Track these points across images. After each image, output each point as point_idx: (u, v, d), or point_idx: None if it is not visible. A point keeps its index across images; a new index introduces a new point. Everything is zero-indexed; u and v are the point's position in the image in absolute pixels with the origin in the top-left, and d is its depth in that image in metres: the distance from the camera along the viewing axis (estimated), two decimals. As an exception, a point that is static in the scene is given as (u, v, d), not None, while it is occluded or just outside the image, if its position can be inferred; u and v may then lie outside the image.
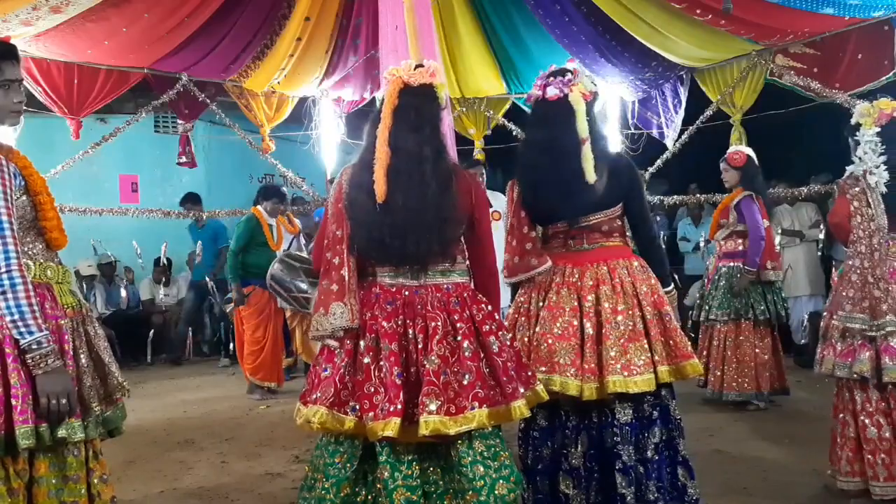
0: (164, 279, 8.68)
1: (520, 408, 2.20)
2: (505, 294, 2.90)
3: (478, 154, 8.16)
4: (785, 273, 5.99)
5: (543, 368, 2.66)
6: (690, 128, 7.22)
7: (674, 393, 2.83)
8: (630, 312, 2.71)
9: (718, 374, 5.07)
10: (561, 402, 2.73)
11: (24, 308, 1.95)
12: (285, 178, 8.40)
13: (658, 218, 8.00)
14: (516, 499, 2.22)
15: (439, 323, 2.22)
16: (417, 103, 2.28)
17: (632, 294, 2.74)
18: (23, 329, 1.95)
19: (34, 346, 1.95)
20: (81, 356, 2.12)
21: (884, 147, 3.11)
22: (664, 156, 7.43)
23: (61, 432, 1.99)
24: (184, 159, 7.63)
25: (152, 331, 8.49)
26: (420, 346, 2.21)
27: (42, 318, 1.99)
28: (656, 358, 2.67)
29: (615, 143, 7.31)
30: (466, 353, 2.19)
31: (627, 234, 2.92)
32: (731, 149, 5.48)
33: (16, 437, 1.92)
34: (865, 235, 3.07)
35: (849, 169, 3.23)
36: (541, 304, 2.80)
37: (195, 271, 8.46)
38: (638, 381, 2.62)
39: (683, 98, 7.30)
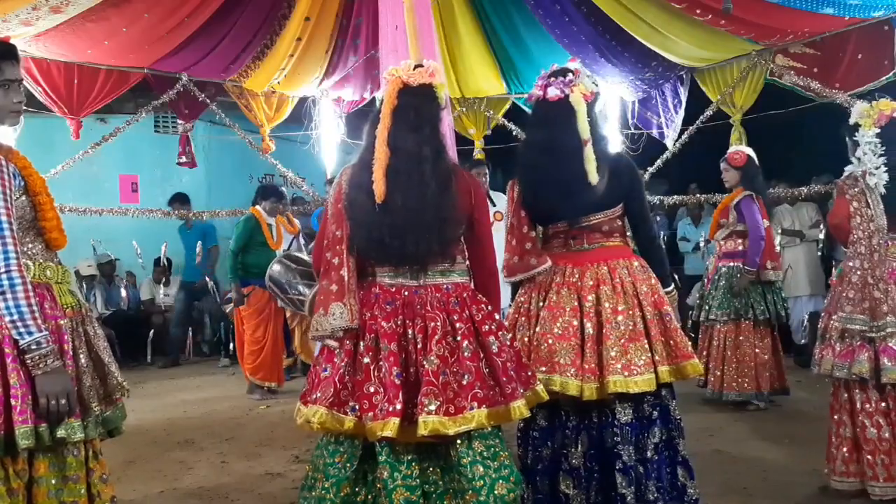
0: (164, 279, 8.68)
1: (519, 408, 2.20)
2: (505, 294, 2.91)
3: (478, 154, 8.16)
4: (785, 273, 5.99)
5: (544, 368, 2.66)
6: (690, 128, 7.23)
7: (674, 393, 2.83)
8: (630, 312, 2.71)
9: (718, 374, 5.07)
10: (561, 402, 2.73)
11: (24, 308, 1.95)
12: (285, 178, 8.40)
13: (658, 218, 8.00)
14: (516, 499, 2.22)
15: (438, 323, 2.22)
16: (417, 103, 2.28)
17: (632, 294, 2.74)
18: (22, 329, 1.94)
19: (33, 347, 1.95)
20: (81, 356, 2.11)
21: (884, 148, 3.11)
22: (664, 156, 7.44)
23: (61, 432, 1.99)
24: (184, 159, 7.63)
25: (152, 331, 8.48)
26: (419, 347, 2.21)
27: (41, 318, 1.99)
28: (657, 358, 2.67)
29: (615, 143, 7.31)
30: (466, 354, 2.19)
31: (628, 234, 2.92)
32: (732, 149, 5.48)
33: (15, 437, 1.92)
34: (865, 236, 3.07)
35: (847, 169, 3.23)
36: (541, 304, 2.80)
37: (185, 272, 8.41)
38: (638, 381, 2.62)
39: (683, 98, 7.31)
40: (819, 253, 7.08)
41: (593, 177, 2.69)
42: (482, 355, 2.23)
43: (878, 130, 3.15)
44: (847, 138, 3.31)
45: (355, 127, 7.50)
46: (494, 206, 5.44)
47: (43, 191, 2.11)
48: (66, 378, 2.00)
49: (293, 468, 4.05)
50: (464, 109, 8.19)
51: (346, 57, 7.38)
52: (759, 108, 6.77)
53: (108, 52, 6.40)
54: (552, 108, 2.77)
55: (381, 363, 2.19)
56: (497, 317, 2.35)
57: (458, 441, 2.17)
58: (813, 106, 6.38)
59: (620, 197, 2.82)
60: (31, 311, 1.96)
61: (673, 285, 2.98)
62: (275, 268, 4.29)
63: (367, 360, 2.21)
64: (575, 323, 2.71)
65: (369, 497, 2.24)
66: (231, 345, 7.73)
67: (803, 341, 6.74)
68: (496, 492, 2.15)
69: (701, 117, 7.11)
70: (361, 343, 2.24)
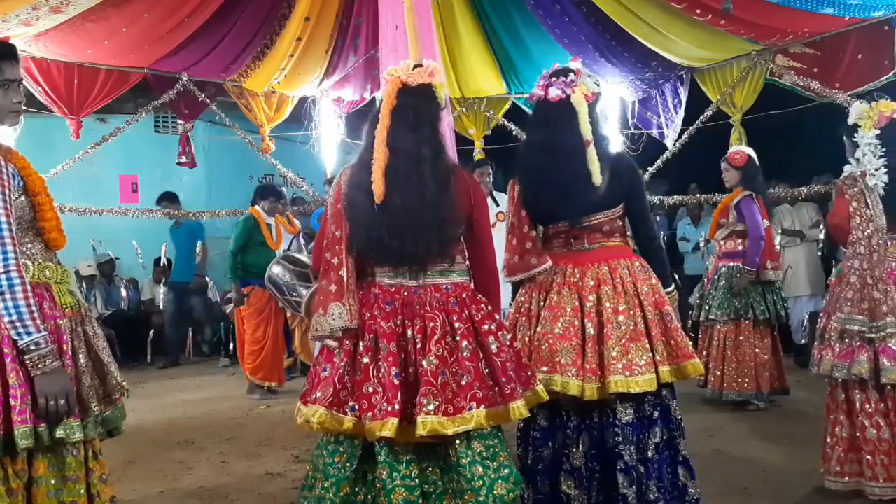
0: (164, 279, 8.68)
1: (518, 408, 2.20)
2: (506, 294, 2.90)
3: (478, 154, 8.17)
4: (785, 273, 5.99)
5: (545, 368, 2.66)
6: (690, 128, 7.23)
7: (675, 393, 2.83)
8: (631, 312, 2.71)
9: (718, 374, 5.07)
10: (562, 402, 2.73)
11: (23, 309, 1.94)
12: (285, 178, 8.40)
13: (658, 218, 8.01)
14: (515, 499, 2.22)
15: (438, 323, 2.22)
16: (416, 103, 2.28)
17: (633, 294, 2.74)
18: (21, 330, 1.94)
19: (32, 347, 1.95)
20: (80, 356, 2.11)
21: (884, 149, 3.11)
22: (664, 156, 7.44)
23: (60, 433, 1.98)
24: (184, 159, 7.64)
25: (152, 331, 8.49)
26: (418, 347, 2.21)
27: (40, 318, 1.98)
28: (657, 358, 2.67)
29: (616, 143, 7.31)
30: (465, 354, 2.19)
31: (628, 234, 2.92)
32: (732, 148, 5.49)
33: (14, 437, 1.92)
34: (864, 236, 3.07)
35: (846, 169, 3.22)
36: (542, 303, 2.79)
37: (173, 272, 8.38)
38: (639, 381, 2.62)
39: (683, 98, 7.31)
40: (819, 253, 7.08)
41: (597, 177, 2.69)
42: (481, 355, 2.23)
43: (877, 132, 3.14)
44: (845, 138, 3.31)
45: (355, 127, 7.50)
46: (498, 206, 5.44)
47: (42, 191, 2.11)
48: (65, 378, 1.99)
49: (293, 468, 4.05)
50: (464, 109, 8.19)
51: (346, 57, 7.38)
52: (759, 108, 6.78)
53: (108, 52, 6.40)
54: (553, 108, 2.77)
55: (380, 363, 2.19)
56: (497, 317, 2.34)
57: (458, 441, 2.17)
58: (813, 106, 6.39)
59: (621, 197, 2.82)
60: (30, 312, 1.95)
61: (673, 285, 2.98)
62: (274, 269, 4.28)
63: (366, 360, 2.21)
64: (576, 323, 2.71)
65: (369, 497, 2.24)
66: (231, 345, 7.74)
67: (803, 341, 6.74)
68: (495, 492, 2.14)
69: (701, 117, 7.11)
70: (361, 343, 2.24)
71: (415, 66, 2.32)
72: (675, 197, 7.82)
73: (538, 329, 2.75)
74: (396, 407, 2.11)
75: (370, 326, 2.24)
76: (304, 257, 4.56)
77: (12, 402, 1.93)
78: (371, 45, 6.76)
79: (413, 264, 2.28)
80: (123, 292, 8.70)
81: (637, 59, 6.92)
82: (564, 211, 2.81)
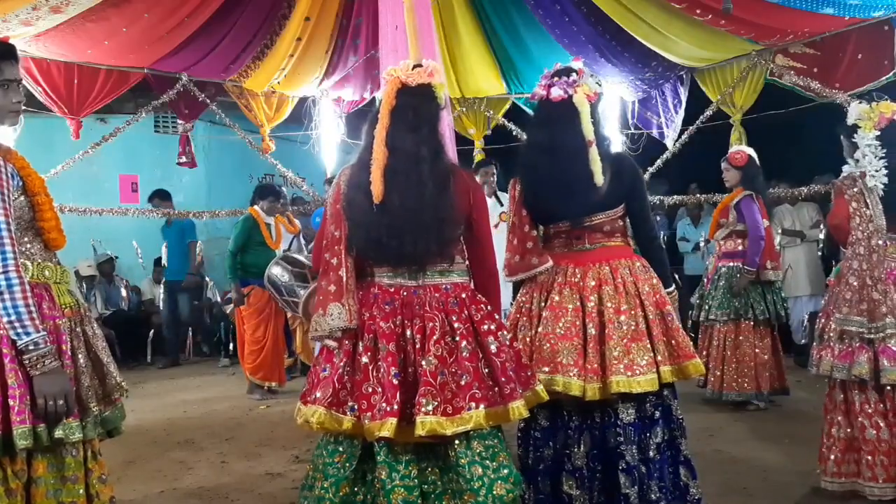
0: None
1: (518, 408, 2.20)
2: (507, 293, 2.90)
3: (478, 154, 8.16)
4: (785, 273, 5.98)
5: (546, 369, 2.66)
6: (690, 128, 7.23)
7: (676, 393, 2.83)
8: (633, 312, 2.71)
9: (718, 374, 5.07)
10: (563, 402, 2.73)
11: (21, 309, 1.94)
12: (285, 178, 8.40)
13: (658, 218, 8.00)
14: (515, 499, 2.21)
15: (437, 323, 2.22)
16: (415, 103, 2.27)
17: (634, 294, 2.74)
18: (20, 330, 1.94)
19: (31, 347, 1.95)
20: (79, 356, 2.11)
21: (884, 151, 3.10)
22: (664, 156, 7.44)
23: (59, 433, 1.98)
24: (184, 159, 7.63)
25: (152, 331, 8.49)
26: (418, 347, 2.21)
27: (39, 318, 1.98)
28: (659, 358, 2.67)
29: (616, 143, 7.31)
30: (464, 354, 2.19)
31: (629, 234, 2.92)
32: (733, 148, 5.49)
33: (13, 437, 1.91)
34: (864, 237, 3.06)
35: (845, 169, 3.22)
36: (543, 304, 2.79)
37: (166, 271, 8.36)
38: (641, 381, 2.62)
39: (683, 98, 7.31)
40: (819, 253, 7.07)
41: (599, 178, 2.69)
42: (481, 355, 2.23)
43: (877, 133, 3.14)
44: (843, 138, 3.30)
45: (355, 127, 7.48)
46: (502, 206, 5.42)
47: (41, 191, 2.11)
48: (64, 378, 1.99)
49: (293, 468, 4.05)
50: (464, 109, 8.19)
51: (346, 57, 7.38)
52: (759, 108, 6.77)
53: (108, 52, 6.40)
54: (555, 108, 2.77)
55: (379, 363, 2.19)
56: (496, 317, 2.34)
57: (457, 441, 2.17)
58: (813, 106, 6.38)
59: (622, 197, 2.82)
60: (29, 312, 1.95)
61: (673, 285, 2.98)
62: (273, 269, 4.29)
63: (365, 360, 2.21)
64: (577, 323, 2.71)
65: (368, 497, 2.24)
66: (231, 345, 7.74)
67: (803, 341, 6.73)
68: (495, 492, 2.14)
69: (701, 117, 7.11)
70: (360, 343, 2.24)
71: (414, 66, 2.31)
72: (675, 197, 7.81)
73: (539, 329, 2.75)
74: (395, 407, 2.11)
75: (369, 326, 2.24)
76: (303, 258, 4.56)
77: (11, 402, 1.93)
78: (371, 45, 6.76)
79: (412, 264, 2.28)
80: (123, 292, 8.70)
81: (637, 59, 6.91)
82: (566, 211, 2.81)
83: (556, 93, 2.76)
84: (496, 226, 5.11)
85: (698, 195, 7.67)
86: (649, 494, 2.66)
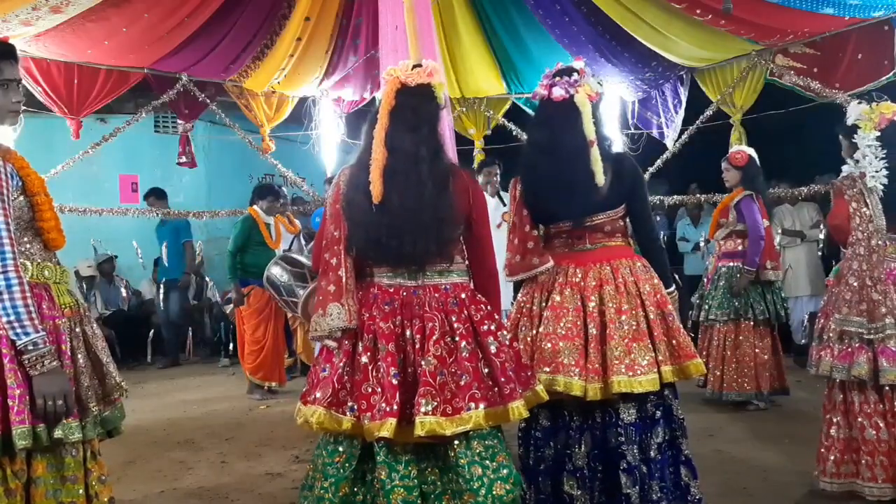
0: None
1: (518, 408, 2.19)
2: (507, 293, 2.90)
3: (478, 154, 8.16)
4: (785, 273, 5.98)
5: (547, 369, 2.66)
6: (690, 128, 7.23)
7: (676, 393, 2.83)
8: (634, 312, 2.71)
9: (718, 374, 5.07)
10: (564, 402, 2.73)
11: (21, 309, 1.95)
12: (285, 178, 8.39)
13: (658, 218, 8.00)
14: (515, 499, 2.21)
15: (437, 323, 2.22)
16: (415, 103, 2.27)
17: (635, 294, 2.74)
18: (19, 330, 1.94)
19: (30, 347, 1.95)
20: (79, 356, 2.11)
21: (884, 151, 3.10)
22: (664, 156, 7.43)
23: (58, 433, 1.99)
24: (184, 159, 7.62)
25: (152, 331, 8.49)
26: (417, 347, 2.21)
27: (39, 318, 1.99)
28: (660, 358, 2.68)
29: (617, 143, 7.31)
30: (464, 354, 2.19)
31: (629, 234, 2.92)
32: (733, 148, 5.50)
33: (13, 437, 1.91)
34: (864, 237, 3.06)
35: (845, 169, 3.22)
36: (544, 304, 2.80)
37: (160, 271, 8.34)
38: (642, 380, 2.62)
39: (683, 98, 7.31)
40: (819, 253, 7.07)
41: (600, 178, 2.69)
42: (480, 355, 2.23)
43: (877, 133, 3.14)
44: (842, 138, 3.30)
45: (355, 127, 7.48)
46: (505, 206, 5.41)
47: (41, 191, 2.11)
48: (63, 378, 1.99)
49: (293, 468, 4.05)
50: (464, 109, 8.18)
51: (346, 57, 7.37)
52: (759, 108, 6.77)
53: (108, 52, 6.39)
54: (557, 108, 2.77)
55: (379, 363, 2.19)
56: (496, 317, 2.34)
57: (457, 441, 2.17)
58: (813, 106, 6.38)
59: (623, 197, 2.82)
60: (28, 312, 1.96)
61: (674, 285, 2.98)
62: (272, 269, 4.29)
63: (365, 360, 2.21)
64: (578, 323, 2.71)
65: (368, 497, 2.24)
66: (231, 345, 7.73)
67: (803, 341, 6.73)
68: (494, 492, 2.14)
69: (701, 117, 7.11)
70: (360, 343, 2.24)
71: (414, 66, 2.31)
72: (675, 197, 7.80)
73: (540, 329, 2.75)
74: (395, 407, 2.11)
75: (369, 327, 2.24)
76: (302, 258, 4.56)
77: (10, 402, 1.93)
78: (371, 45, 6.76)
79: (412, 264, 2.28)
80: (123, 292, 8.70)
81: (637, 59, 6.91)
82: (567, 211, 2.81)
83: (558, 92, 2.76)
84: (499, 226, 5.12)
85: (698, 195, 7.66)
86: (650, 494, 2.66)
